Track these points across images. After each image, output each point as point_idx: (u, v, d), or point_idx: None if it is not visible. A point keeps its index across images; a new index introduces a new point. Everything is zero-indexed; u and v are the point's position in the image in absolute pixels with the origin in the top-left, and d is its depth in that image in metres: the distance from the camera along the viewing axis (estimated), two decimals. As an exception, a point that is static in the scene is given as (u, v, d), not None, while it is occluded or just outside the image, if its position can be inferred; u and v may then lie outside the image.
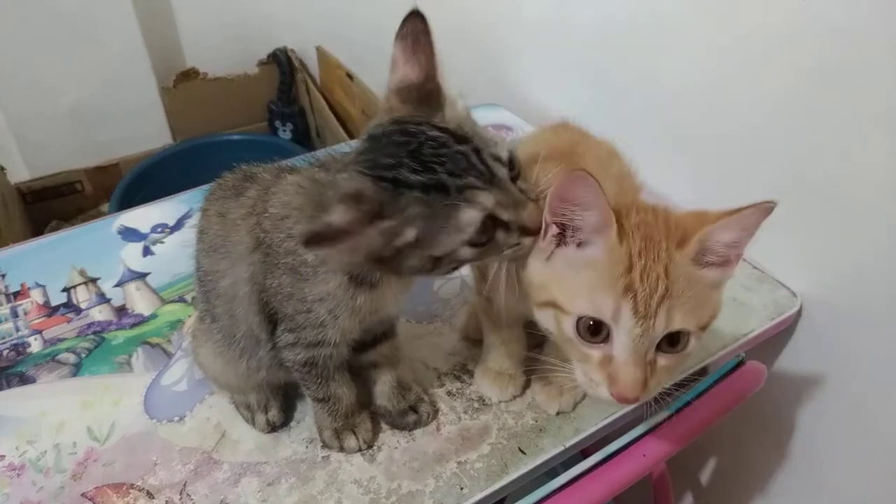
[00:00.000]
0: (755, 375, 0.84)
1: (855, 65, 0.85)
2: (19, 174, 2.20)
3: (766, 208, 0.57)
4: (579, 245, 0.61)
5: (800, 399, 1.08)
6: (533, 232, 0.62)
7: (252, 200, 0.73)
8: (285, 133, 2.55)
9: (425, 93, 0.62)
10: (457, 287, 1.05)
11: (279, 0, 2.43)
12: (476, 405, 0.87)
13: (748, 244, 0.60)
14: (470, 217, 0.58)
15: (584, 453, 0.80)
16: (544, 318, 0.63)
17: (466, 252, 0.60)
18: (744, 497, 1.25)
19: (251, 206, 0.72)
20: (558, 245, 0.62)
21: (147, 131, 2.37)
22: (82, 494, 0.77)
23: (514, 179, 0.61)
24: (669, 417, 0.79)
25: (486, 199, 0.58)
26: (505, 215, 0.60)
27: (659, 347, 0.59)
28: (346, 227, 0.54)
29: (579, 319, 0.59)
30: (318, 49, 2.41)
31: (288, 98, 2.53)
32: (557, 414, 0.85)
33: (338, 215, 0.54)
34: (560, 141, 0.77)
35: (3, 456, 0.82)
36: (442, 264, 0.62)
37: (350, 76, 2.21)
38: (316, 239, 0.54)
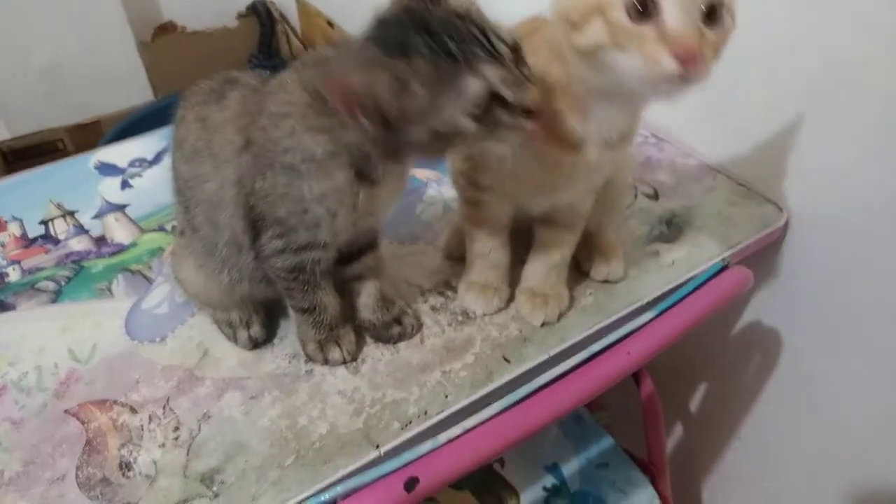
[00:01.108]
0: (740, 279, 0.83)
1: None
2: (-1, 134, 2.16)
3: None
4: None
5: (789, 318, 1.08)
6: (533, 115, 0.62)
7: (237, 102, 0.72)
8: (268, 86, 2.51)
9: None
10: (439, 211, 1.04)
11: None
12: (460, 318, 0.86)
13: None
14: (475, 86, 0.59)
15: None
16: (592, 34, 0.61)
17: (468, 124, 0.60)
18: (735, 424, 1.25)
19: (239, 107, 0.71)
20: None
21: (127, 87, 2.33)
22: (65, 411, 0.77)
23: (517, 64, 0.62)
24: (653, 319, 0.78)
25: (491, 71, 0.59)
26: (507, 92, 0.60)
27: (703, 21, 0.59)
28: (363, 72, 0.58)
29: (627, 1, 0.58)
30: (298, -2, 2.37)
31: (269, 50, 2.49)
32: (543, 324, 0.85)
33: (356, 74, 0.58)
34: (528, 27, 0.76)
35: (-16, 378, 0.81)
36: (441, 140, 0.62)
37: (331, 24, 2.17)
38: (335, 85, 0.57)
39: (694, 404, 1.35)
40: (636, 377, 1.12)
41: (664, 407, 1.15)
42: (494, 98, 0.60)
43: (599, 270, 0.90)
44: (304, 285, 0.76)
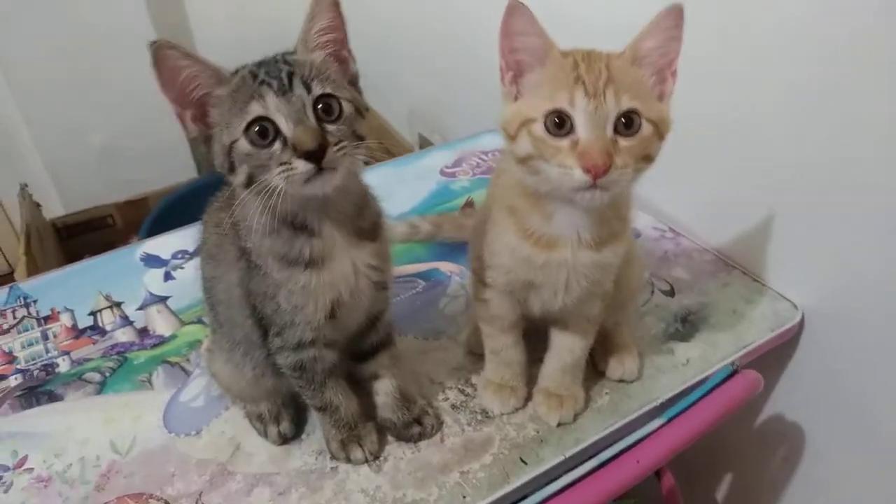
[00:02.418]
0: (749, 384, 0.85)
1: (854, 79, 0.87)
2: (54, 211, 2.29)
3: (677, 8, 0.66)
4: (536, 64, 0.70)
5: (807, 412, 1.09)
6: (303, 155, 0.64)
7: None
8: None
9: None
10: (461, 305, 1.09)
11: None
12: (479, 417, 0.90)
13: (677, 58, 0.70)
14: (253, 108, 0.64)
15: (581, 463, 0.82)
16: (522, 145, 0.69)
17: (244, 146, 0.65)
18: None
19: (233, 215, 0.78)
20: (518, 80, 0.71)
21: (173, 166, 2.46)
22: (105, 504, 0.82)
23: (331, 121, 0.66)
24: (663, 425, 0.81)
25: (272, 101, 0.64)
26: (283, 124, 0.64)
27: (618, 131, 0.66)
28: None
29: (546, 117, 0.66)
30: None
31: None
32: (558, 425, 0.87)
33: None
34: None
35: (32, 469, 0.87)
36: (231, 159, 0.66)
37: (366, 108, 2.27)
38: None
39: (720, 495, 1.34)
40: (657, 471, 1.12)
41: (688, 498, 1.15)
42: (273, 124, 0.64)
43: (614, 370, 0.93)
44: (309, 384, 0.81)
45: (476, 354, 0.98)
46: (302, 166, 0.63)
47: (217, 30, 2.42)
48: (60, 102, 2.15)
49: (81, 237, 2.33)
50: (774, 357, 1.04)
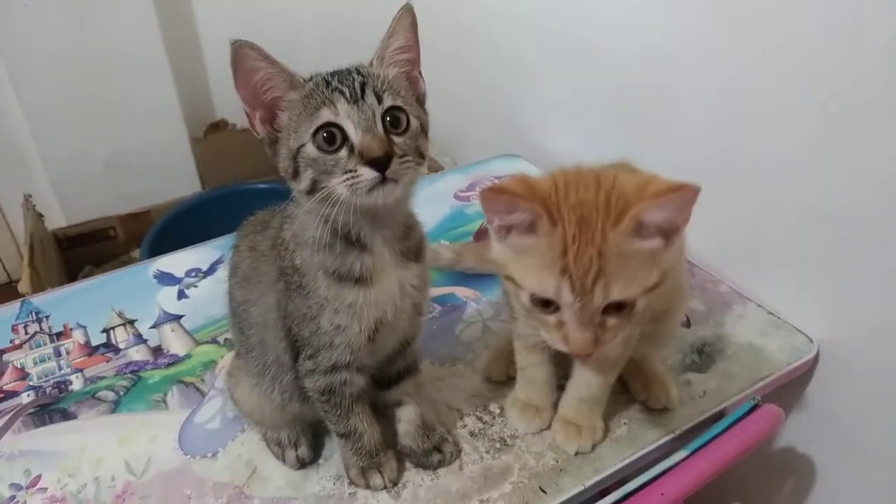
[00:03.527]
0: (771, 418, 0.85)
1: (870, 109, 0.89)
2: (57, 222, 2.28)
3: (694, 190, 0.61)
4: (527, 230, 0.66)
5: (818, 445, 1.09)
6: (369, 163, 0.64)
7: (274, 232, 0.79)
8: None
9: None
10: (478, 331, 1.09)
11: (306, 55, 2.54)
12: (498, 445, 0.90)
13: (688, 224, 0.65)
14: (324, 113, 0.65)
15: (602, 493, 0.82)
16: (508, 289, 0.70)
17: (311, 150, 0.66)
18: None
19: (273, 237, 0.78)
20: (506, 235, 0.68)
21: (177, 180, 2.46)
22: (120, 527, 0.81)
23: (398, 133, 0.67)
24: (686, 458, 0.81)
25: (343, 107, 0.65)
26: (351, 131, 0.65)
27: (607, 312, 0.65)
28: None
29: (531, 295, 0.66)
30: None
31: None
32: (576, 454, 0.87)
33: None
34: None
35: (46, 488, 0.86)
36: (297, 163, 0.67)
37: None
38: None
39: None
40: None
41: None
42: (341, 131, 0.65)
43: (659, 399, 0.93)
44: (336, 409, 0.80)
45: (494, 382, 0.98)
46: (367, 174, 0.64)
47: (228, 47, 2.43)
48: (67, 116, 2.15)
49: (82, 248, 2.32)
50: (787, 389, 1.05)
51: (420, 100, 0.73)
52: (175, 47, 2.27)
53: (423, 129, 0.71)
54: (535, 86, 1.56)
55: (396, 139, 0.67)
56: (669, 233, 0.64)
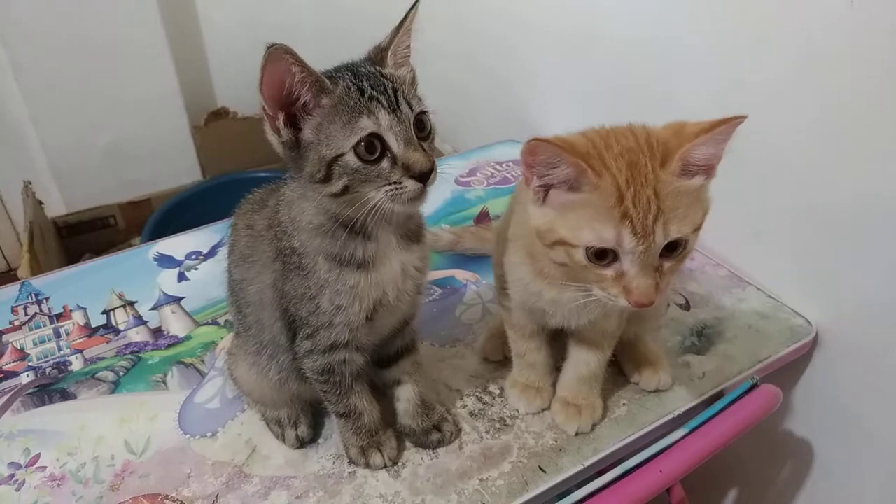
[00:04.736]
0: (769, 398, 0.86)
1: (867, 96, 0.89)
2: (56, 209, 2.28)
3: (736, 122, 0.62)
4: (569, 189, 0.65)
5: (817, 428, 1.09)
6: (416, 176, 0.66)
7: (271, 211, 0.79)
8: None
9: (378, 53, 0.72)
10: (478, 313, 1.09)
11: (307, 44, 2.53)
12: (497, 425, 0.90)
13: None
14: (365, 123, 0.65)
15: (600, 472, 0.82)
16: (557, 256, 0.68)
17: (352, 161, 0.65)
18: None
19: (269, 217, 0.78)
20: (546, 193, 0.67)
21: (178, 168, 2.45)
22: (119, 504, 0.81)
23: (423, 137, 0.68)
24: (685, 436, 0.81)
25: (385, 118, 0.65)
26: (393, 143, 0.65)
27: (662, 255, 0.65)
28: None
29: (588, 249, 0.64)
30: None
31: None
32: (576, 434, 0.87)
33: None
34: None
35: (45, 467, 0.86)
36: (331, 171, 0.66)
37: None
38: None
39: (726, 507, 1.34)
40: (667, 484, 1.13)
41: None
42: (382, 142, 0.65)
43: (650, 381, 0.93)
44: (336, 388, 0.80)
45: (492, 362, 0.99)
46: (413, 186, 0.66)
47: (229, 35, 2.43)
48: (68, 103, 2.14)
49: (82, 236, 2.32)
50: (786, 372, 1.05)
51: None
52: (176, 34, 2.26)
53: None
54: (534, 72, 1.55)
55: (425, 145, 0.68)
56: (709, 169, 0.66)
